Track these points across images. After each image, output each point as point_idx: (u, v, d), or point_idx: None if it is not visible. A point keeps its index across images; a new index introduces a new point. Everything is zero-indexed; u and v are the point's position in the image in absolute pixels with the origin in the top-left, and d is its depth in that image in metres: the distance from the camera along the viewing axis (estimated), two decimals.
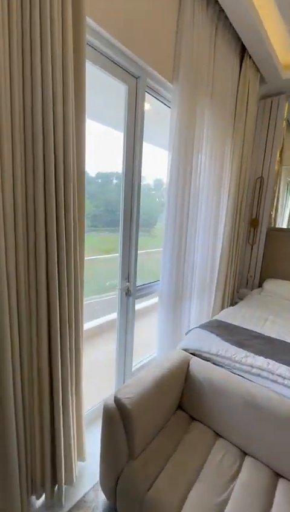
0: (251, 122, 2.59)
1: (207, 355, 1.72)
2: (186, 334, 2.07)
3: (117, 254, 3.91)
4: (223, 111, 2.27)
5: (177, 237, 2.04)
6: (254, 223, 3.19)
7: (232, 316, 2.29)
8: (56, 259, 1.17)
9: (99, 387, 2.25)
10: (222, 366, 1.65)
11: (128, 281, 1.93)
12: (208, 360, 1.71)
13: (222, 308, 2.76)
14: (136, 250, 1.91)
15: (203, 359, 1.73)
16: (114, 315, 3.49)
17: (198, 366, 1.62)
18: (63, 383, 1.30)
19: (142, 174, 1.90)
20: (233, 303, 3.03)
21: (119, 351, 2.03)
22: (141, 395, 1.32)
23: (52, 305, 1.19)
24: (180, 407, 1.63)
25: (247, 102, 2.46)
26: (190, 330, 2.07)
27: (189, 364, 1.65)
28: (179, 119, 1.86)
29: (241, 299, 3.12)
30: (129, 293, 1.94)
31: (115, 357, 2.06)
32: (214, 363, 1.69)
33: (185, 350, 1.80)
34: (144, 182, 1.93)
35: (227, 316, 2.29)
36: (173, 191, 1.95)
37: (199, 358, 1.69)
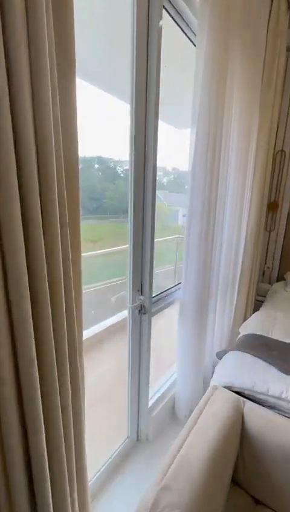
0: (281, 78, 1.98)
1: (263, 397, 1.18)
2: (219, 358, 1.52)
3: (112, 249, 3.22)
4: (254, 60, 1.65)
5: (204, 232, 1.46)
6: (272, 207, 2.64)
7: (269, 324, 1.76)
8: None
9: (105, 430, 1.69)
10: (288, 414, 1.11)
11: (142, 294, 1.33)
12: (262, 403, 1.18)
13: (246, 308, 2.23)
14: (152, 255, 1.30)
15: (251, 399, 1.20)
16: (111, 320, 2.93)
17: (258, 420, 1.08)
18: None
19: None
20: (255, 301, 2.51)
21: (132, 383, 1.46)
22: (192, 501, 0.76)
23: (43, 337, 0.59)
24: (233, 480, 1.10)
25: (279, 49, 1.83)
26: (223, 352, 1.53)
27: (243, 416, 1.10)
28: (208, 57, 1.23)
29: (261, 295, 2.60)
30: (144, 309, 1.35)
31: (126, 392, 1.49)
32: (271, 406, 1.16)
33: (228, 388, 1.25)
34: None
35: (262, 325, 1.76)
36: (200, 172, 1.37)
37: (254, 405, 1.14)
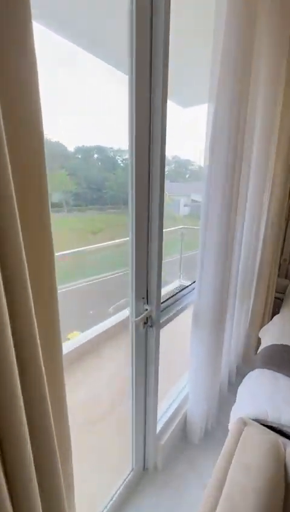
0: None
1: None
2: (241, 375, 1.24)
3: (114, 241, 2.90)
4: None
5: (224, 225, 1.16)
6: None
7: None
8: None
9: (104, 460, 1.43)
10: None
11: (148, 303, 1.04)
12: None
13: (265, 306, 1.94)
14: (160, 255, 0.99)
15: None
16: (110, 321, 2.64)
17: None
18: None
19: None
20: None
21: (137, 409, 1.18)
22: None
23: None
24: None
25: None
26: (247, 368, 1.24)
27: (286, 465, 0.82)
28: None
29: (278, 292, 2.30)
30: (150, 322, 1.05)
31: (130, 419, 1.21)
32: None
33: (259, 422, 0.97)
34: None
35: (288, 332, 1.47)
36: (220, 157, 1.08)
37: None
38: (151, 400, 1.17)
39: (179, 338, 1.82)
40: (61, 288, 3.53)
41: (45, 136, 0.44)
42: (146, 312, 1.01)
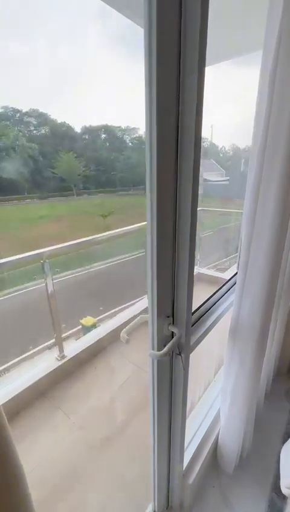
0: None
1: None
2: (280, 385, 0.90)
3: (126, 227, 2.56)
4: None
5: (280, 208, 0.77)
6: None
7: None
8: None
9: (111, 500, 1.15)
10: None
11: (174, 323, 0.70)
12: None
13: None
14: (192, 253, 0.64)
15: None
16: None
17: None
18: None
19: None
20: None
21: (159, 459, 0.87)
22: None
23: None
24: None
25: None
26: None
27: None
28: None
29: None
30: (179, 348, 0.71)
31: (151, 459, 0.92)
32: None
33: None
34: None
35: None
36: (281, 125, 0.68)
37: None
38: (177, 435, 0.86)
39: None
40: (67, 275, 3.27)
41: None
42: (173, 339, 0.67)
